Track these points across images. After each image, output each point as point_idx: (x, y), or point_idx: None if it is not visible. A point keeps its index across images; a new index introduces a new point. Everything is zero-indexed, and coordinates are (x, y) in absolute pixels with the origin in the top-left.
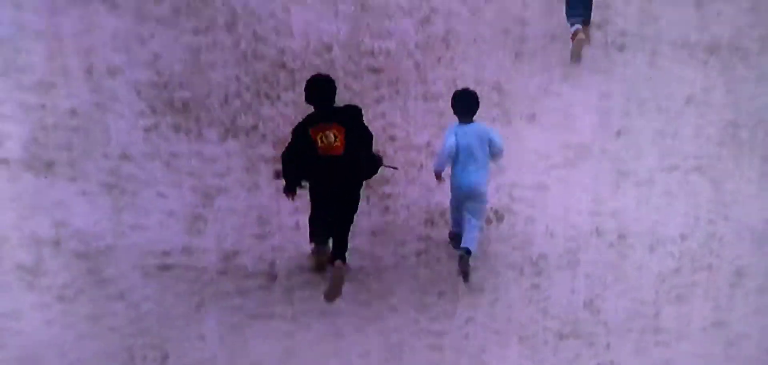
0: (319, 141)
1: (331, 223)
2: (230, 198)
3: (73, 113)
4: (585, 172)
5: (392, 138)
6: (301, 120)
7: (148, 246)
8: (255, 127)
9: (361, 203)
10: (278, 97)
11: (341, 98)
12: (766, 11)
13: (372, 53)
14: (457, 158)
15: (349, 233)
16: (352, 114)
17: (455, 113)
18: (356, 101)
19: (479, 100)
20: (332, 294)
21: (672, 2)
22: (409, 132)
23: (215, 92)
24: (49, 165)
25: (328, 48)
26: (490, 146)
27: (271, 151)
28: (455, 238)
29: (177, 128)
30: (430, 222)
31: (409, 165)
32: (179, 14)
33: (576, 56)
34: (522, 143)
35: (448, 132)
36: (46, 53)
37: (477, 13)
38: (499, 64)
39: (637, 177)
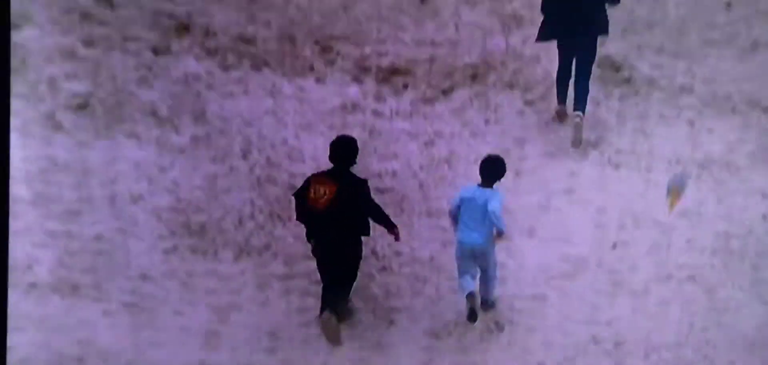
0: (312, 193)
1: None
2: (244, 314)
3: (97, 238)
4: (582, 283)
5: (397, 253)
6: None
7: (166, 362)
8: (268, 247)
9: (368, 316)
10: (290, 218)
11: None
12: (756, 129)
13: (379, 175)
14: (460, 215)
15: (343, 292)
16: (355, 181)
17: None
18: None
19: (501, 169)
20: (332, 341)
21: (665, 122)
22: (413, 247)
23: (230, 215)
24: (75, 288)
25: None
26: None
27: (282, 269)
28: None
29: (194, 250)
30: (435, 335)
31: (414, 279)
32: (198, 145)
33: (556, 121)
34: (522, 257)
35: (460, 191)
36: (73, 184)
37: (478, 135)
38: (499, 183)
39: (633, 287)
